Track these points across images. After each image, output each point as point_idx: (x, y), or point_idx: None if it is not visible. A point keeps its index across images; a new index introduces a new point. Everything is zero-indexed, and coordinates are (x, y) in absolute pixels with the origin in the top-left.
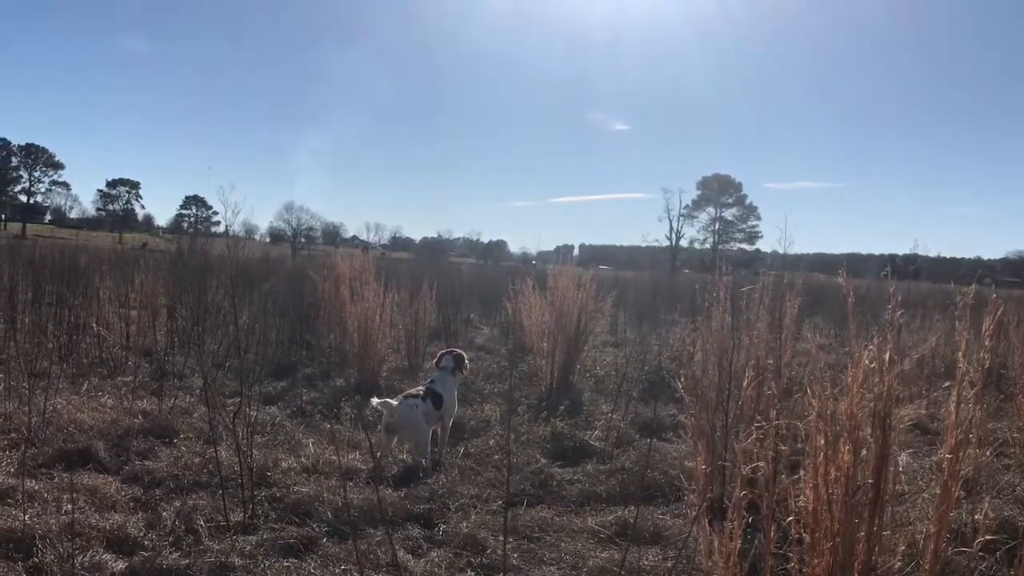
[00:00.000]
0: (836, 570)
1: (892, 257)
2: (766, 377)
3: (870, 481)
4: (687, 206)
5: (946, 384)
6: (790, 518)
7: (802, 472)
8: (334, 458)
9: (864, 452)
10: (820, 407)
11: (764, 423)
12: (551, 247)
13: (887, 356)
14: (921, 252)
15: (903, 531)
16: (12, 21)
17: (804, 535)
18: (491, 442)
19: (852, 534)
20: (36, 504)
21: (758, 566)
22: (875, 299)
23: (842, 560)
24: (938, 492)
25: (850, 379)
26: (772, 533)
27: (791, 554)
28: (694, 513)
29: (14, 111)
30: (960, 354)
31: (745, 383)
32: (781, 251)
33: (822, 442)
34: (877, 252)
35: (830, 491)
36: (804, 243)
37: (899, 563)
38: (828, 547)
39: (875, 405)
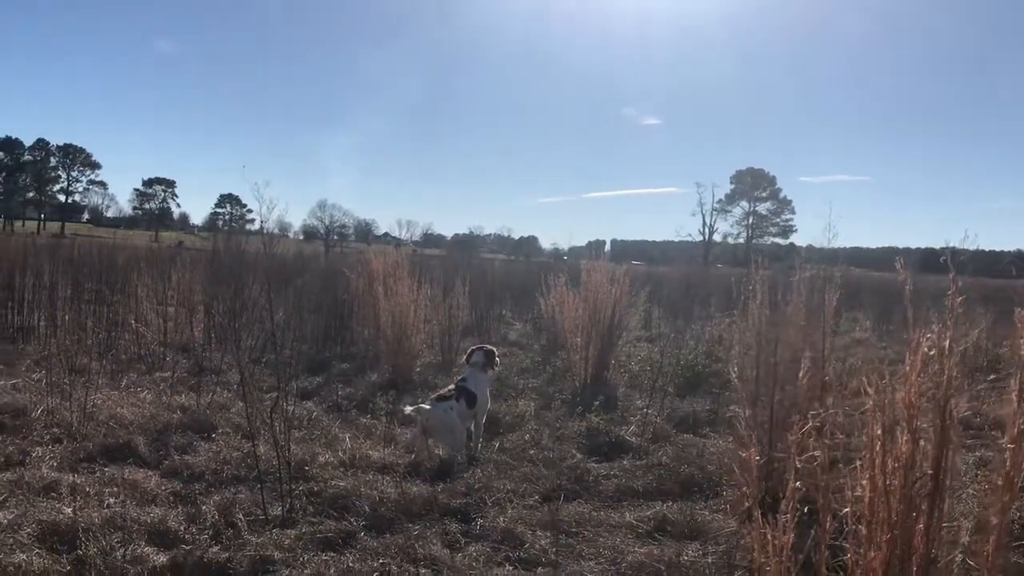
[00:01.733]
0: (894, 562)
1: (930, 250)
2: (816, 368)
3: (929, 472)
4: (720, 200)
5: (991, 377)
6: (845, 509)
7: (858, 463)
8: (371, 452)
9: (923, 442)
10: (877, 396)
11: (821, 412)
12: (583, 242)
13: (947, 343)
14: (963, 245)
15: (959, 523)
16: (49, 22)
17: (860, 527)
18: (526, 437)
19: (911, 526)
20: (79, 498)
21: (811, 559)
22: (920, 292)
23: (900, 553)
24: (1000, 483)
25: (908, 367)
26: (827, 525)
27: (847, 546)
28: (747, 505)
29: (52, 112)
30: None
31: (801, 374)
32: (824, 244)
33: (879, 432)
34: (914, 246)
35: (887, 482)
36: (839, 237)
37: (960, 556)
38: (886, 539)
39: (935, 393)
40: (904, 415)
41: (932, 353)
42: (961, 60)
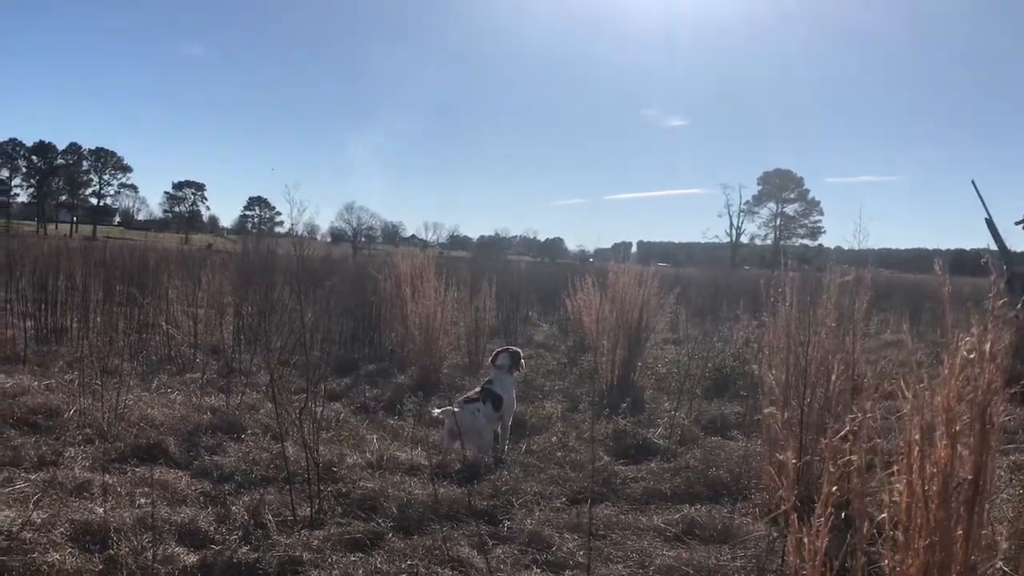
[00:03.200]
0: (932, 569)
1: (960, 251)
2: (848, 370)
3: (968, 477)
4: (747, 201)
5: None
6: (882, 515)
7: (894, 468)
8: (398, 454)
9: (960, 447)
10: (915, 400)
11: (856, 415)
12: (608, 244)
13: (987, 346)
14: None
15: (995, 529)
16: (81, 28)
17: (897, 533)
18: (553, 439)
19: (950, 532)
20: (111, 498)
21: (846, 565)
22: (953, 294)
23: (939, 559)
24: None
25: (946, 371)
26: (864, 530)
27: (883, 552)
28: (782, 508)
29: (84, 116)
30: None
31: (834, 377)
32: (856, 246)
33: (917, 436)
34: (944, 247)
35: (925, 487)
36: (869, 238)
37: (1000, 563)
38: (923, 546)
39: (974, 396)
40: (942, 419)
41: (972, 357)
42: (990, 59)
